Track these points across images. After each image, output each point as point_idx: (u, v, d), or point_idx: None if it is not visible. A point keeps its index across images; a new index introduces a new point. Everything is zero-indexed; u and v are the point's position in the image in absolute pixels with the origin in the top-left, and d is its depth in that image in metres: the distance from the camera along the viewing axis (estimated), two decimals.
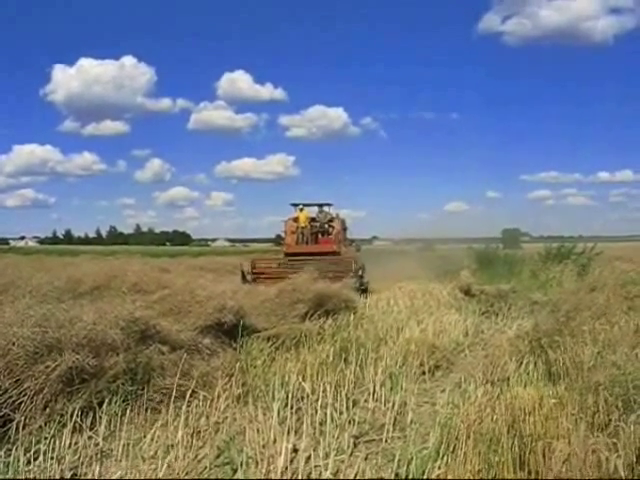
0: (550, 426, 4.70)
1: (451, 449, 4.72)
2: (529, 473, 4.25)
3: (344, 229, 21.14)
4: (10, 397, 5.32)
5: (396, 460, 4.67)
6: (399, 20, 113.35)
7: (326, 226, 20.33)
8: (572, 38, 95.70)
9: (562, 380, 6.48)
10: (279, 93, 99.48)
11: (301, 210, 20.12)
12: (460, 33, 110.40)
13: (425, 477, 4.40)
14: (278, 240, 20.77)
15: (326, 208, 20.77)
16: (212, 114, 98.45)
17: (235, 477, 4.50)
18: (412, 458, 4.64)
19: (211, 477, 4.56)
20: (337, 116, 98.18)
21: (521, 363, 7.41)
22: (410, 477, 4.45)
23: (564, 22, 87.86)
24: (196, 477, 4.54)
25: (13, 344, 5.68)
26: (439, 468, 4.44)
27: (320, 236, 20.24)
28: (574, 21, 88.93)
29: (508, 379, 6.83)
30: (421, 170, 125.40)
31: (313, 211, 20.71)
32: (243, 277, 16.96)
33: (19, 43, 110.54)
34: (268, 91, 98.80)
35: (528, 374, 6.98)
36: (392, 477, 4.51)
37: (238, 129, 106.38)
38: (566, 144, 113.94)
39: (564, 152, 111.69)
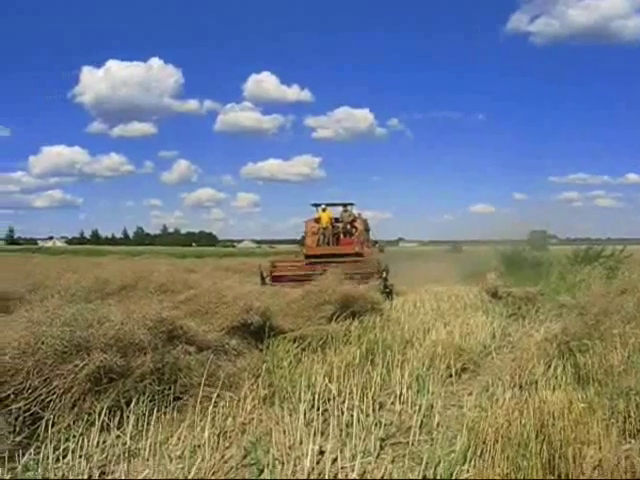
0: (580, 431, 4.63)
1: (479, 453, 4.68)
2: (559, 477, 4.20)
3: (367, 230, 20.84)
4: (39, 395, 5.37)
5: (423, 463, 4.64)
6: (425, 21, 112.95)
7: (348, 227, 20.03)
8: (601, 38, 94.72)
9: (591, 384, 6.40)
10: (305, 94, 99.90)
11: (324, 210, 19.86)
12: (487, 33, 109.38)
13: None
14: (303, 241, 20.47)
15: (348, 208, 20.51)
16: (238, 115, 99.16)
17: (261, 478, 4.49)
18: (439, 461, 4.59)
19: (237, 477, 4.56)
20: (363, 117, 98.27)
21: (549, 366, 7.34)
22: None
23: (593, 21, 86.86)
24: (222, 477, 4.54)
25: (42, 343, 5.73)
26: (467, 472, 4.40)
27: (342, 237, 19.94)
28: (603, 20, 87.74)
29: (536, 383, 6.76)
30: (448, 171, 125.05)
31: (334, 211, 20.48)
32: (262, 280, 16.65)
33: (47, 45, 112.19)
34: (294, 92, 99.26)
35: (556, 378, 6.91)
36: (420, 479, 4.47)
37: (264, 130, 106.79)
38: (595, 145, 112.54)
39: (593, 153, 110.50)
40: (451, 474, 4.41)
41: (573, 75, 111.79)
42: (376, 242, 21.81)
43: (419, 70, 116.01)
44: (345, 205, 20.52)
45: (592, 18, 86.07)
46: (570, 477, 4.15)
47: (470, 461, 4.57)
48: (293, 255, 21.91)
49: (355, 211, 20.56)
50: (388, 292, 16.12)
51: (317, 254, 18.50)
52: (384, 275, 16.42)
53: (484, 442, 4.74)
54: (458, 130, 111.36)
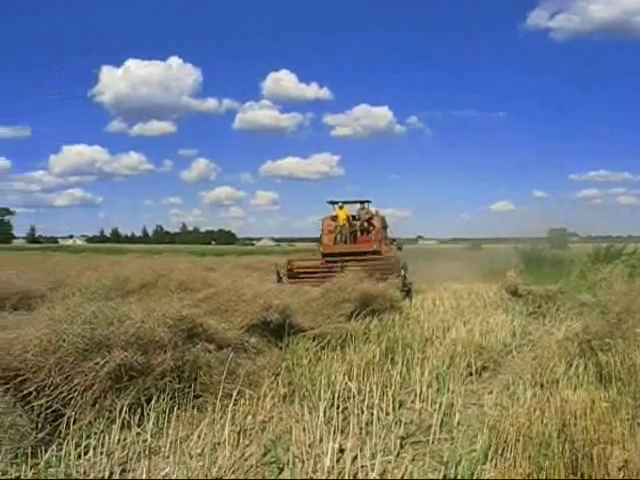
0: (603, 431, 4.58)
1: (500, 452, 4.65)
2: (582, 477, 4.15)
3: (384, 227, 20.57)
4: (61, 393, 5.41)
5: (444, 462, 4.61)
6: (443, 19, 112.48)
7: (366, 224, 19.80)
8: (623, 33, 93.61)
9: (614, 384, 6.34)
10: (324, 92, 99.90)
11: (341, 208, 19.63)
12: (507, 30, 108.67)
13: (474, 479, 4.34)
14: (320, 239, 20.21)
15: (365, 205, 20.28)
16: (257, 114, 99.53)
17: (281, 476, 4.50)
18: (460, 460, 4.57)
19: (257, 476, 4.56)
20: (382, 115, 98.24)
21: (571, 365, 7.28)
22: (459, 479, 4.39)
23: (614, 16, 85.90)
24: (242, 475, 4.54)
25: (63, 341, 5.76)
26: (488, 472, 4.37)
27: (359, 235, 19.71)
28: (625, 15, 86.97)
29: (557, 382, 6.71)
30: (467, 169, 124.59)
31: (351, 209, 20.29)
32: (279, 278, 16.52)
33: (67, 45, 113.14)
34: (313, 90, 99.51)
35: (578, 377, 6.85)
36: (440, 478, 4.45)
37: (283, 128, 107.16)
38: (616, 142, 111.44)
39: (613, 150, 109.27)
40: (472, 473, 4.39)
41: (594, 71, 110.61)
42: (394, 240, 21.60)
43: (438, 68, 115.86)
44: (362, 202, 20.34)
45: (613, 13, 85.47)
46: (594, 476, 4.10)
47: (491, 460, 4.54)
48: (311, 253, 21.77)
49: (372, 208, 20.41)
50: (407, 290, 16.02)
51: (334, 252, 18.20)
52: (403, 273, 16.30)
53: (505, 441, 4.71)
54: (477, 128, 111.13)
